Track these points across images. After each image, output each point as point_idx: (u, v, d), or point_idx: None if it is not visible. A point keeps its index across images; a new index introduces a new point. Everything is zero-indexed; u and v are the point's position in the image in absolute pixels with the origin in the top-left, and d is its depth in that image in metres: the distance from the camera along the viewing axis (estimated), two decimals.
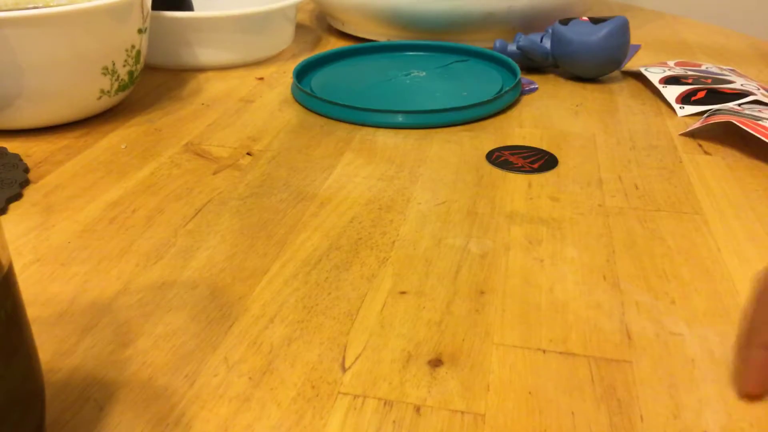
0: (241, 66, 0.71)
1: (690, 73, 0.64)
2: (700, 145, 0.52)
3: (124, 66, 0.55)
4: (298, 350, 0.31)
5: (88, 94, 0.54)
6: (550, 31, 0.66)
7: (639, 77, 0.68)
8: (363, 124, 0.56)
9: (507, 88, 0.59)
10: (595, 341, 0.32)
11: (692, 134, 0.54)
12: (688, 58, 0.74)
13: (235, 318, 0.33)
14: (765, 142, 0.53)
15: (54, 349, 0.31)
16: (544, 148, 0.52)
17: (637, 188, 0.46)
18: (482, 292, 0.35)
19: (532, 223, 0.41)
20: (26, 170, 0.47)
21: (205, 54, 0.68)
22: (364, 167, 0.48)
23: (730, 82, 0.60)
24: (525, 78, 0.66)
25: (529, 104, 0.61)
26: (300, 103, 0.60)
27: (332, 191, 0.45)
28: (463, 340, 0.32)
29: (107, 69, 0.54)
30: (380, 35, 0.77)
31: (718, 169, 0.49)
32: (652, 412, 0.28)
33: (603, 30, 0.62)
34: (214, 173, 0.48)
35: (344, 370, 0.30)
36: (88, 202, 0.44)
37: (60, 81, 0.51)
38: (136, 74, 0.58)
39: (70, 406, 0.28)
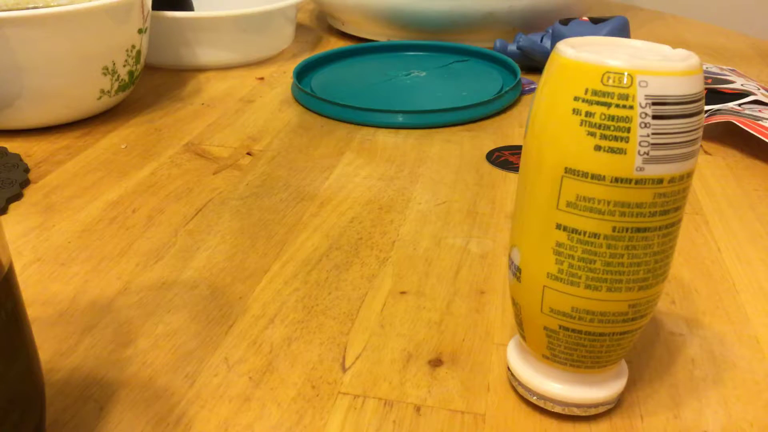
0: (241, 66, 0.71)
1: None
2: (700, 145, 0.52)
3: (124, 66, 0.55)
4: (298, 350, 0.31)
5: (88, 94, 0.54)
6: (550, 31, 0.66)
7: None
8: (363, 124, 0.56)
9: (507, 88, 0.59)
10: None
11: None
12: None
13: (235, 318, 0.33)
14: (765, 142, 0.53)
15: (54, 349, 0.31)
16: None
17: None
18: (482, 292, 0.35)
19: None
20: (26, 170, 0.47)
21: (205, 54, 0.68)
22: (364, 167, 0.48)
23: (730, 82, 0.60)
24: (525, 78, 0.66)
25: (529, 104, 0.61)
26: (300, 103, 0.60)
27: (332, 191, 0.45)
28: (463, 340, 0.32)
29: (107, 69, 0.54)
30: (380, 35, 0.77)
31: (718, 169, 0.49)
32: (652, 412, 0.28)
33: (603, 30, 0.62)
34: (214, 173, 0.48)
35: (344, 370, 0.30)
36: (88, 202, 0.44)
37: (60, 81, 0.51)
38: (136, 74, 0.58)
39: (70, 406, 0.28)
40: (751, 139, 0.53)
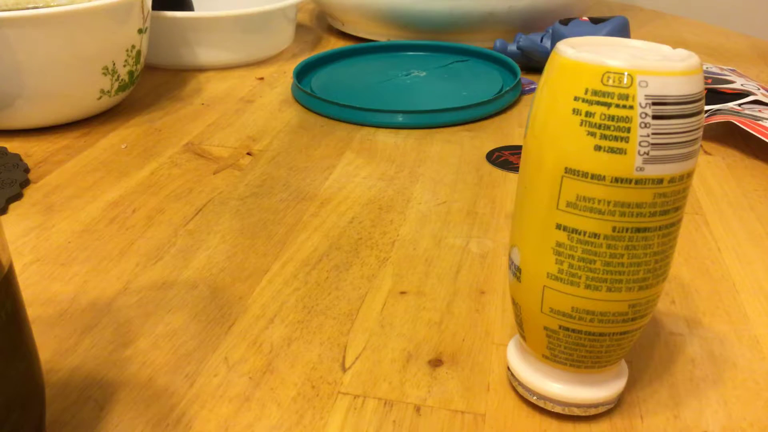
0: (241, 66, 0.71)
1: None
2: (700, 145, 0.52)
3: (124, 66, 0.55)
4: (298, 350, 0.31)
5: (88, 94, 0.54)
6: (550, 31, 0.66)
7: None
8: (363, 124, 0.56)
9: (507, 88, 0.59)
10: None
11: None
12: None
13: (235, 318, 0.33)
14: (765, 142, 0.53)
15: (54, 349, 0.31)
16: None
17: None
18: (482, 292, 0.35)
19: None
20: (26, 170, 0.47)
21: (205, 54, 0.68)
22: (364, 167, 0.48)
23: (730, 82, 0.60)
24: (525, 78, 0.66)
25: (529, 104, 0.61)
26: (300, 103, 0.60)
27: (332, 191, 0.45)
28: (463, 340, 0.32)
29: (107, 69, 0.54)
30: (380, 35, 0.77)
31: (718, 169, 0.49)
32: (652, 412, 0.28)
33: (603, 30, 0.62)
34: (214, 173, 0.48)
35: (344, 370, 0.30)
36: (88, 202, 0.44)
37: (60, 81, 0.51)
38: (136, 74, 0.58)
39: (70, 406, 0.28)
40: (751, 139, 0.53)
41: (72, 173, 0.48)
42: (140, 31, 0.56)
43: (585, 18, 0.64)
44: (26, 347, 0.24)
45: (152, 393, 0.29)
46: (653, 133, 0.22)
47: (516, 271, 0.26)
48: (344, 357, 0.31)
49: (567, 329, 0.25)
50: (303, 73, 0.65)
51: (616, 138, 0.22)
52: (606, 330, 0.25)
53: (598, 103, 0.22)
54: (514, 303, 0.27)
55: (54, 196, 0.45)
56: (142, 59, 0.58)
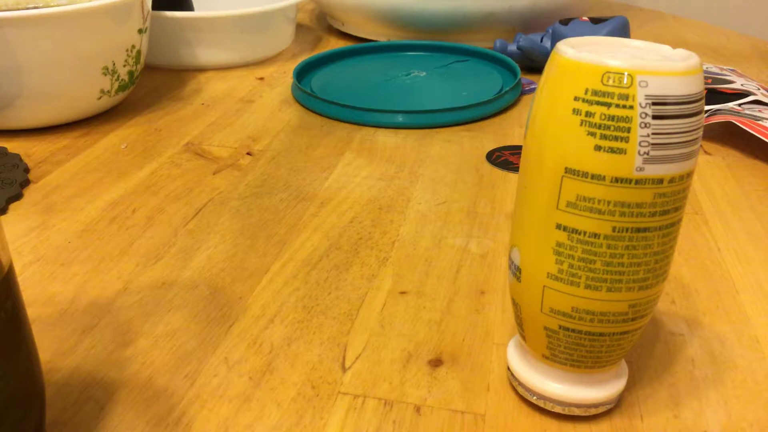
0: (241, 66, 0.71)
1: None
2: (700, 145, 0.52)
3: (124, 66, 0.55)
4: (298, 350, 0.31)
5: (88, 94, 0.54)
6: (550, 31, 0.66)
7: None
8: (363, 124, 0.56)
9: (507, 88, 0.59)
10: None
11: None
12: None
13: (235, 318, 0.33)
14: (765, 142, 0.53)
15: (54, 349, 0.31)
16: None
17: None
18: (482, 292, 0.35)
19: None
20: (26, 170, 0.47)
21: (205, 54, 0.68)
22: (364, 167, 0.48)
23: (730, 82, 0.59)
24: (525, 78, 0.66)
25: (529, 104, 0.61)
26: (300, 103, 0.60)
27: (332, 191, 0.45)
28: (463, 340, 0.32)
29: (107, 69, 0.54)
30: (380, 35, 0.77)
31: (718, 169, 0.49)
32: (652, 412, 0.28)
33: (603, 30, 0.62)
34: (214, 173, 0.48)
35: (344, 370, 0.30)
36: (88, 202, 0.44)
37: (60, 81, 0.51)
38: (136, 74, 0.58)
39: (70, 406, 0.28)
40: (751, 139, 0.53)
41: (72, 173, 0.48)
42: (140, 31, 0.56)
43: (585, 18, 0.64)
44: (26, 347, 0.24)
45: (152, 393, 0.29)
46: (653, 133, 0.22)
47: (516, 271, 0.26)
48: (344, 357, 0.31)
49: (567, 329, 0.25)
50: (303, 73, 0.65)
51: (616, 138, 0.22)
52: (606, 330, 0.25)
53: (598, 103, 0.22)
54: (514, 303, 0.27)
55: (54, 196, 0.45)
56: (142, 59, 0.58)
